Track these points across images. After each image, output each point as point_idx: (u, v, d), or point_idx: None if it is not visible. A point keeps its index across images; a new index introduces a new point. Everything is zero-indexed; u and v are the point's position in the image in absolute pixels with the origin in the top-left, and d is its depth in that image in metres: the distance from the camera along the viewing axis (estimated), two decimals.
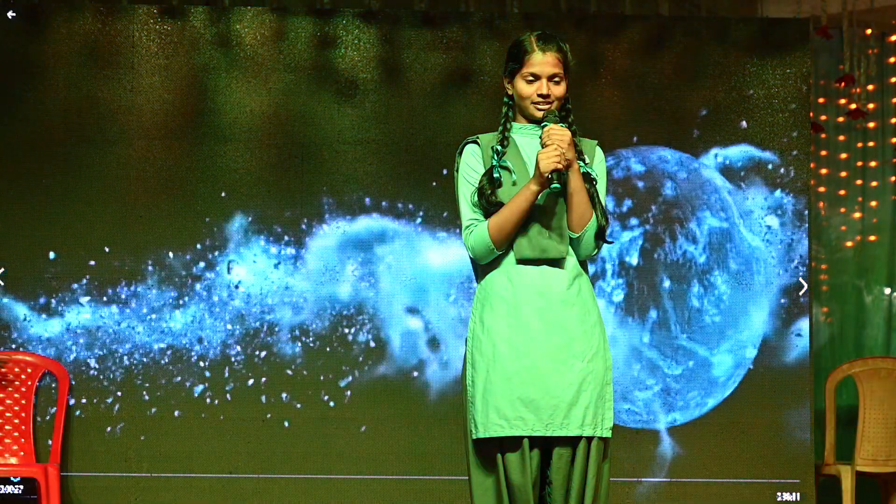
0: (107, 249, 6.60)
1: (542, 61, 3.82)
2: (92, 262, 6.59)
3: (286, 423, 6.58)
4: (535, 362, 3.75)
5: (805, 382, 6.73)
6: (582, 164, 3.85)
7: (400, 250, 6.69)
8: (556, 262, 3.81)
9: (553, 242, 3.80)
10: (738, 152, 6.86)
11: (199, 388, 6.58)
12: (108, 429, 6.55)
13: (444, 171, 6.67)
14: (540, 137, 3.78)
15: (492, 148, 3.86)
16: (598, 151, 3.96)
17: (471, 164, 3.89)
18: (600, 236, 3.84)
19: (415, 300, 6.68)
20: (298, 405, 6.60)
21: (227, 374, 6.60)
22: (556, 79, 3.84)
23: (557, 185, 3.69)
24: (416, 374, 6.67)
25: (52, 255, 6.58)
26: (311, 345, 6.63)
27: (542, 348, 3.76)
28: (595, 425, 3.78)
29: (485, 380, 3.79)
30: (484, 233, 3.81)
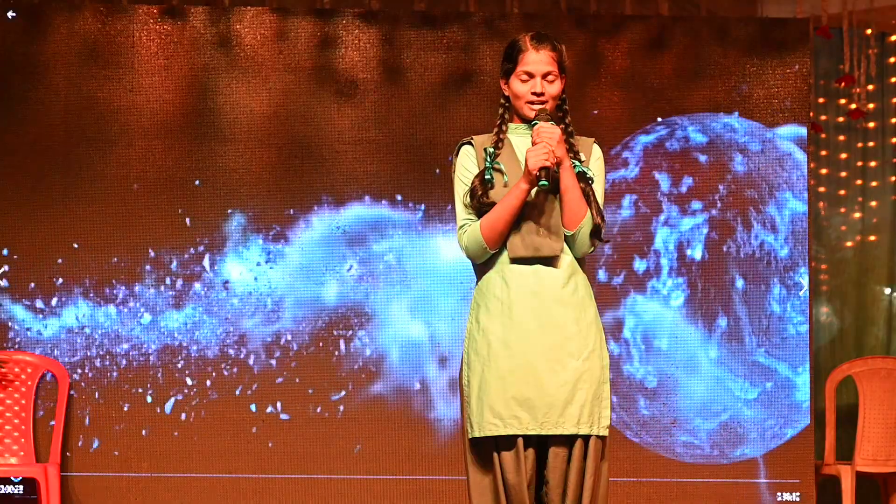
0: (103, 249, 6.61)
1: (536, 59, 3.84)
2: (91, 262, 6.60)
3: (286, 421, 6.59)
4: (530, 361, 3.76)
5: (805, 382, 6.72)
6: (577, 162, 3.86)
7: (400, 250, 6.69)
8: (551, 261, 3.82)
9: (546, 241, 3.81)
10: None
11: (200, 388, 6.58)
12: (108, 429, 6.55)
13: (445, 167, 6.67)
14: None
15: (484, 149, 3.88)
16: (596, 149, 3.97)
17: (465, 165, 3.91)
18: (595, 234, 3.85)
19: (416, 300, 6.68)
20: (299, 404, 6.60)
21: (227, 374, 6.60)
22: (551, 77, 3.85)
23: (545, 183, 3.71)
24: (417, 374, 6.66)
25: (51, 254, 6.58)
26: (310, 346, 6.63)
27: (536, 347, 3.77)
28: (591, 424, 3.78)
29: (480, 379, 3.81)
30: (476, 232, 3.83)
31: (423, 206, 6.70)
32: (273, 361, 6.62)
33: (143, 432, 6.56)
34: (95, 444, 6.54)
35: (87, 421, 6.55)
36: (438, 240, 6.69)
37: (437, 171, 6.69)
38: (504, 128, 3.93)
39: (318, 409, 6.61)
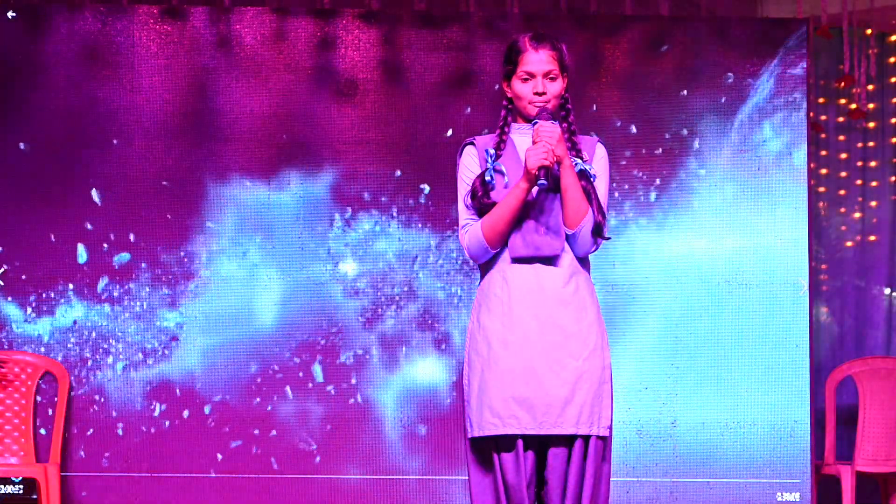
0: (106, 248, 6.60)
1: (536, 59, 3.85)
2: (91, 262, 6.59)
3: (287, 420, 6.59)
4: (529, 361, 3.77)
5: (805, 382, 6.72)
6: (578, 160, 3.87)
7: (399, 249, 6.69)
8: (552, 260, 3.83)
9: (547, 240, 3.81)
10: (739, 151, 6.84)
11: (199, 387, 6.58)
12: (108, 429, 6.54)
13: (442, 166, 6.67)
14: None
15: (486, 150, 3.89)
16: (600, 148, 3.98)
17: (467, 166, 3.93)
18: (597, 233, 3.85)
19: (416, 300, 6.67)
20: (300, 402, 6.60)
21: (227, 374, 6.60)
22: (552, 76, 3.86)
23: (544, 182, 3.72)
24: (418, 373, 6.66)
25: (50, 254, 6.58)
26: (310, 346, 6.63)
27: (536, 347, 3.77)
28: (591, 424, 3.78)
29: (480, 379, 3.81)
30: (478, 232, 3.84)
31: (423, 206, 6.70)
32: (273, 360, 6.61)
33: (143, 432, 6.55)
34: (95, 444, 6.53)
35: (87, 420, 6.54)
36: (438, 239, 6.68)
37: (436, 175, 6.68)
38: (506, 129, 3.94)
39: (318, 408, 6.60)
